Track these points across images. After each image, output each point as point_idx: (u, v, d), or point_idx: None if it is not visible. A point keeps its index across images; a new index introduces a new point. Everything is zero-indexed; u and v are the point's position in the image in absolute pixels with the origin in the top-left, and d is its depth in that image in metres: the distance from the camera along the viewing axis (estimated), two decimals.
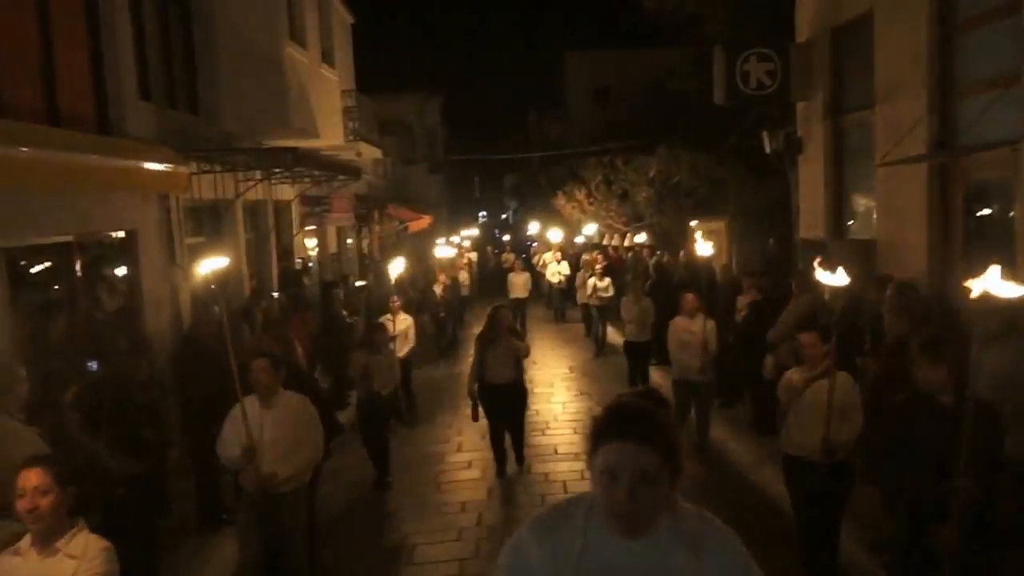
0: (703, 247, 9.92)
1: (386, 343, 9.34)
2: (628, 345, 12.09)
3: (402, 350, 10.97)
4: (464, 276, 21.57)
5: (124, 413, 6.16)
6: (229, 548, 7.08)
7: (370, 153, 18.88)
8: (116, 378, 6.55)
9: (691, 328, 9.12)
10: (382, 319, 10.92)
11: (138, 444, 6.10)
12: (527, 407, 9.36)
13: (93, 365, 7.52)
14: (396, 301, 11.30)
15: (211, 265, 5.87)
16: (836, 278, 5.34)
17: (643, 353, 11.97)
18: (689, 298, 9.28)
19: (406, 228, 26.44)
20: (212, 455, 7.57)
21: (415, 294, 15.11)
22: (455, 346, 17.44)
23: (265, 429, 5.53)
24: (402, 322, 11.23)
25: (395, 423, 10.30)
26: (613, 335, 16.19)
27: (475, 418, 9.07)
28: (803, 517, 5.85)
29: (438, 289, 16.65)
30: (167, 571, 6.44)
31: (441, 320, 16.46)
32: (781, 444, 5.84)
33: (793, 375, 5.81)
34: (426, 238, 29.62)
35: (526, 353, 9.26)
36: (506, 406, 8.93)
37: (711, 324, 9.15)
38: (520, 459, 9.20)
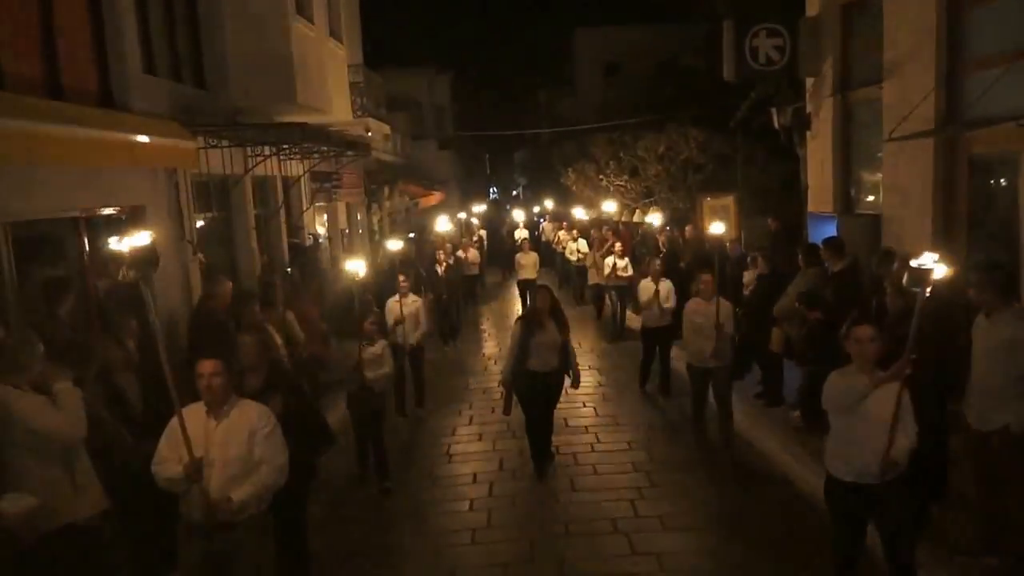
0: (715, 226, 9.21)
1: (378, 332, 8.46)
2: (646, 331, 11.37)
3: (413, 335, 10.33)
4: (473, 254, 20.39)
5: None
6: None
7: (379, 129, 18.93)
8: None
9: (706, 311, 8.56)
10: (389, 301, 10.38)
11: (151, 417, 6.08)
12: (560, 395, 8.63)
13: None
14: (404, 281, 10.38)
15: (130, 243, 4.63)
16: (931, 263, 4.67)
17: (664, 339, 11.15)
18: (705, 279, 8.73)
19: (417, 204, 26.46)
20: None
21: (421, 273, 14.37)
22: (459, 328, 16.53)
23: (213, 445, 4.66)
24: (411, 304, 10.38)
25: (402, 417, 9.96)
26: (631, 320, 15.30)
27: (507, 411, 8.58)
28: (846, 547, 5.05)
29: (439, 268, 15.52)
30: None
31: (444, 302, 15.36)
32: (826, 462, 5.07)
33: (857, 379, 4.85)
34: (437, 215, 29.61)
35: (570, 345, 8.45)
36: (546, 395, 8.36)
37: (726, 306, 8.61)
38: (548, 452, 8.59)
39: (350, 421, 8.39)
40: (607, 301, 16.35)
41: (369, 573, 6.40)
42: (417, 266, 13.82)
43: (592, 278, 16.97)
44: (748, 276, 10.50)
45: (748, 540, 6.54)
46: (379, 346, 8.30)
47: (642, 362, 11.48)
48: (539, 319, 8.24)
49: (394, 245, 11.56)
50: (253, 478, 4.67)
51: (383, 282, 12.23)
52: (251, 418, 4.80)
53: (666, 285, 10.95)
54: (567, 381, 8.50)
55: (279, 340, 7.02)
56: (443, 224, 20.67)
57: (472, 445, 9.42)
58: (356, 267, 8.15)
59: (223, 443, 4.68)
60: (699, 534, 6.77)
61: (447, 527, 7.19)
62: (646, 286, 11.08)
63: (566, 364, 8.38)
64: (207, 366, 4.75)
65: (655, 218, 14.09)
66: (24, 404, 4.70)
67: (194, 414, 4.72)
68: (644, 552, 6.46)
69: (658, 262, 10.99)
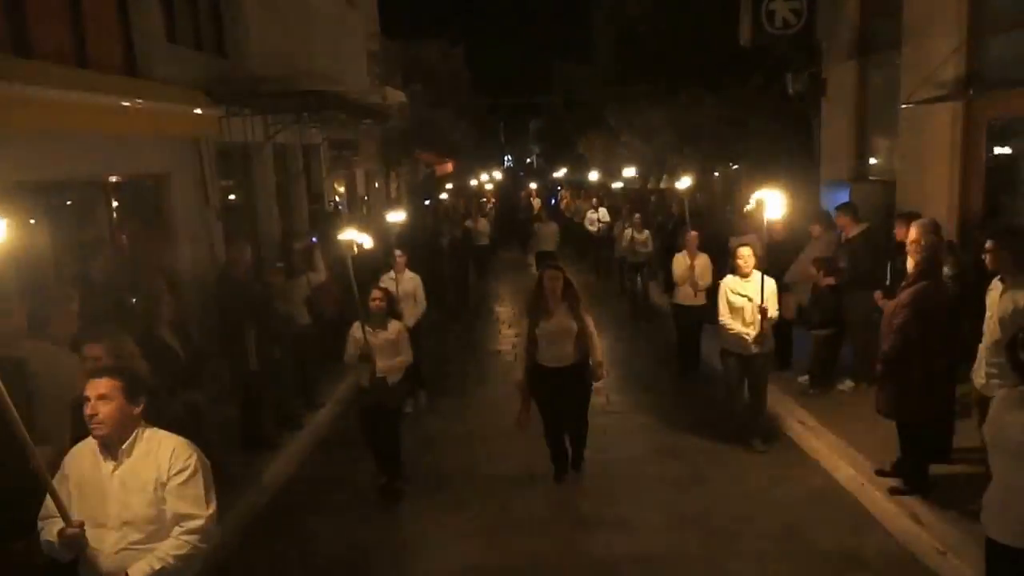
0: (763, 193, 7.58)
1: (388, 313, 7.11)
2: (678, 310, 10.18)
3: (410, 317, 8.98)
4: (483, 224, 19.24)
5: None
6: (269, 471, 7.55)
7: (395, 97, 18.98)
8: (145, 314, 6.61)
9: (746, 290, 7.44)
10: (384, 277, 9.19)
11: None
12: (591, 394, 7.26)
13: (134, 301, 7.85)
14: (401, 256, 9.34)
15: None
16: None
17: (698, 320, 9.99)
18: (743, 253, 7.53)
19: (433, 172, 26.54)
20: (252, 388, 7.89)
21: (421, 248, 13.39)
22: (465, 308, 15.55)
23: (109, 499, 3.45)
24: (408, 281, 9.28)
25: (416, 401, 9.29)
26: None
27: (523, 424, 6.99)
28: None
29: (443, 242, 14.25)
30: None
31: (444, 280, 13.91)
32: (984, 521, 3.89)
33: None
34: (452, 182, 29.63)
35: (589, 332, 6.97)
36: (565, 395, 6.98)
37: (771, 284, 7.40)
38: (578, 462, 7.37)
39: (359, 421, 7.28)
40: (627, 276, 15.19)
41: (388, 522, 6.68)
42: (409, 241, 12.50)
43: (617, 251, 15.92)
44: (733, 242, 10.50)
45: (758, 500, 6.69)
46: (392, 329, 7.06)
47: (678, 346, 10.37)
48: (544, 304, 6.86)
49: (394, 217, 10.41)
50: (162, 546, 3.44)
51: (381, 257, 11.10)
52: (160, 458, 3.52)
53: (702, 260, 9.78)
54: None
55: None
56: (445, 196, 19.40)
57: (486, 403, 9.61)
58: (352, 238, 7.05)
59: (121, 496, 3.46)
60: (708, 492, 6.91)
61: (463, 482, 7.39)
62: (680, 261, 9.91)
63: (589, 356, 6.96)
64: (93, 387, 3.47)
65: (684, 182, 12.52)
66: (73, 363, 4.88)
67: (87, 454, 3.55)
68: (652, 509, 6.63)
69: (693, 233, 9.78)
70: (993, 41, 8.00)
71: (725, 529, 6.22)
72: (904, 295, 6.03)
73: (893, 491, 6.21)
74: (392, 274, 9.15)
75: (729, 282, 7.61)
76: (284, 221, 12.64)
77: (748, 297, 7.39)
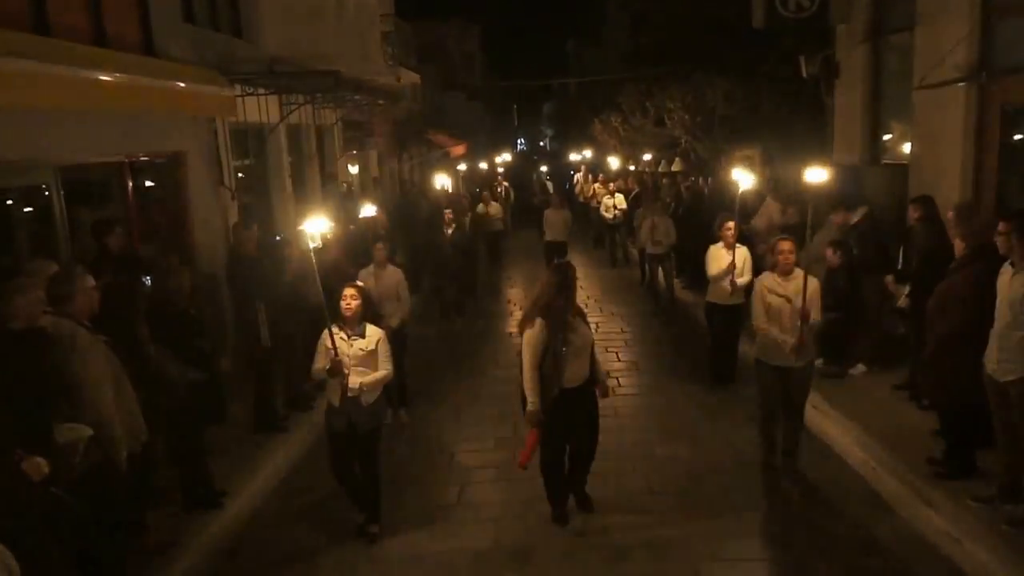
0: (813, 172, 6.61)
1: (365, 316, 6.01)
2: (712, 309, 9.10)
3: (392, 317, 8.22)
4: (496, 208, 18.32)
5: (176, 324, 6.37)
6: (281, 452, 7.64)
7: (409, 79, 19.03)
8: (166, 291, 6.71)
9: (785, 290, 6.45)
10: (362, 272, 8.36)
11: (192, 353, 6.34)
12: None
13: (148, 280, 7.95)
14: (380, 249, 8.55)
15: None
16: None
17: (734, 319, 8.91)
18: (784, 248, 6.50)
19: (447, 154, 26.57)
20: (265, 365, 8.01)
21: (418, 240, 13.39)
22: (469, 301, 14.46)
23: None
24: (389, 277, 8.47)
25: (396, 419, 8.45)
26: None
27: (526, 461, 5.96)
28: None
29: (448, 231, 13.11)
30: (223, 472, 6.83)
31: (446, 272, 13.07)
32: None
33: None
34: (464, 164, 29.59)
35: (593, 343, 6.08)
36: (579, 419, 5.99)
37: (814, 284, 6.43)
38: (586, 501, 6.37)
39: (329, 454, 6.07)
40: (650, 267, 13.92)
41: (398, 502, 6.68)
42: (395, 233, 12.23)
43: (639, 240, 14.77)
44: (758, 223, 10.51)
45: (770, 485, 6.72)
46: (371, 336, 5.91)
47: (711, 348, 9.40)
48: (567, 313, 5.80)
49: (368, 210, 9.76)
50: None
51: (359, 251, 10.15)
52: None
53: (742, 253, 8.71)
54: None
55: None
56: (443, 179, 17.81)
57: (498, 386, 9.64)
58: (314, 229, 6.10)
59: None
60: (717, 475, 6.93)
61: (473, 463, 7.48)
62: (717, 254, 8.79)
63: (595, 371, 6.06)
64: None
65: (744, 177, 10.28)
66: (98, 344, 4.96)
67: None
68: (661, 491, 6.69)
69: (731, 223, 8.67)
70: (1006, 24, 7.96)
71: (736, 514, 6.25)
72: (959, 278, 6.02)
73: (939, 475, 6.18)
74: (372, 268, 8.42)
75: (767, 280, 6.63)
76: (298, 200, 12.73)
77: (787, 298, 6.42)
